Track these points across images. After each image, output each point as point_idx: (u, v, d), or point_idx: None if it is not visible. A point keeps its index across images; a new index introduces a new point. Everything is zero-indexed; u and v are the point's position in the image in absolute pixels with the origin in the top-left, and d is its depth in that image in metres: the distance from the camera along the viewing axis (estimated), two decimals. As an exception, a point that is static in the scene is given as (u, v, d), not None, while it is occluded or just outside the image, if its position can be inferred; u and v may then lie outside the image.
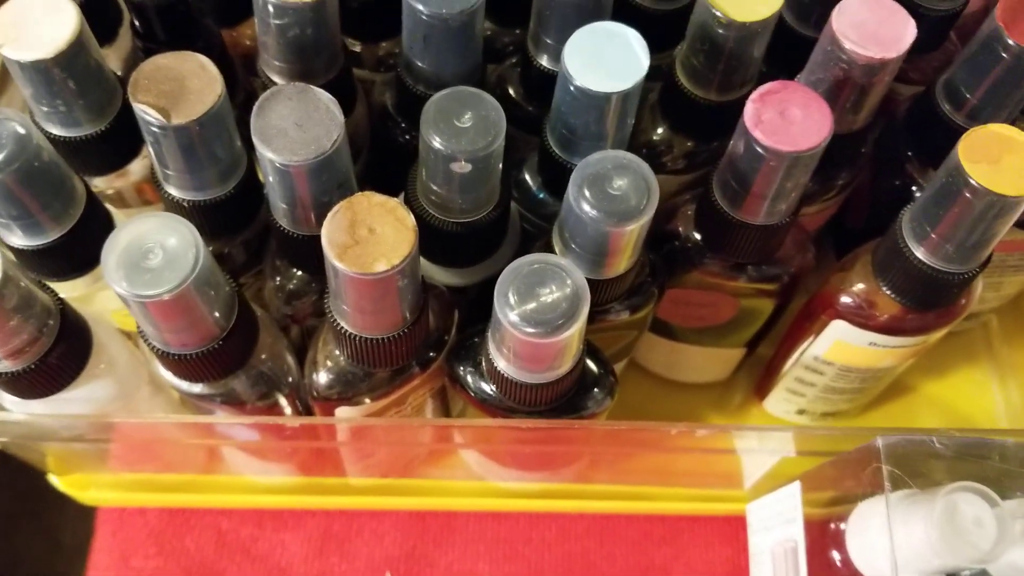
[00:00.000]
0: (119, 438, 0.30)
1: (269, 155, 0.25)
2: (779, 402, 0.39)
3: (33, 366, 0.26)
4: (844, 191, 0.35)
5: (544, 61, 0.32)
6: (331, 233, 0.24)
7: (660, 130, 0.34)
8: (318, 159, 0.25)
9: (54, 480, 0.36)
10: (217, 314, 0.26)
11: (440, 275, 0.31)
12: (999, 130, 0.27)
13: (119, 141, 0.30)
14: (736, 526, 0.39)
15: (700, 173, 0.34)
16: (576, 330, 0.25)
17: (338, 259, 0.24)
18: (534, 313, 0.25)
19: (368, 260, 0.24)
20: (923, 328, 0.32)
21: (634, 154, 0.27)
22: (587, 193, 0.26)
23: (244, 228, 0.31)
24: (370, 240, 0.25)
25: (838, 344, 0.33)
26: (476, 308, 0.31)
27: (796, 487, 0.32)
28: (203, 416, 0.29)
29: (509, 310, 0.25)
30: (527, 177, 0.33)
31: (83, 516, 0.37)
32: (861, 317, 0.32)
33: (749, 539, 0.36)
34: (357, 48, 0.35)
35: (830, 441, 0.30)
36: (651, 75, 0.33)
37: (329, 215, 0.25)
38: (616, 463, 0.37)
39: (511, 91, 0.34)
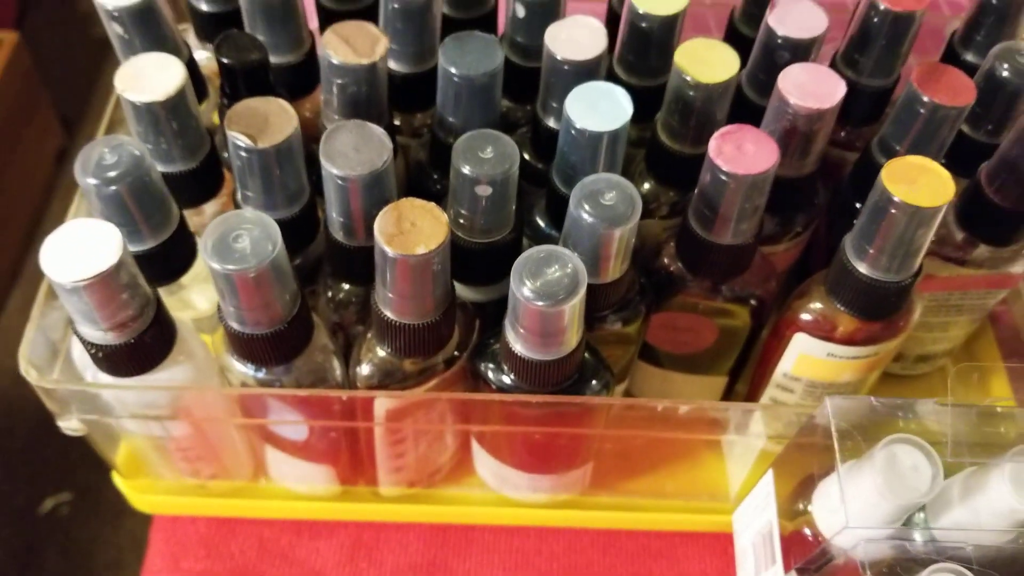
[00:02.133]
0: (189, 416, 0.35)
1: (333, 171, 0.32)
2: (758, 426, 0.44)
3: (132, 340, 0.32)
4: (804, 232, 0.41)
5: (551, 122, 0.39)
6: (382, 226, 0.31)
7: (647, 185, 0.41)
8: (371, 174, 0.32)
9: (118, 482, 0.41)
10: (286, 299, 0.32)
11: (464, 292, 0.38)
12: (914, 160, 0.33)
13: (204, 180, 0.37)
14: (725, 541, 0.43)
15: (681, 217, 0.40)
16: (576, 303, 0.31)
17: (387, 244, 0.31)
18: (543, 287, 0.31)
19: (411, 245, 0.30)
20: (873, 339, 0.37)
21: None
22: (585, 205, 0.33)
23: (303, 248, 0.37)
24: (412, 231, 0.31)
25: (802, 358, 0.39)
26: (494, 321, 0.37)
27: (768, 475, 0.37)
28: (261, 389, 0.34)
29: (523, 286, 0.31)
30: (536, 218, 0.39)
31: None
32: (819, 330, 0.38)
33: (735, 544, 0.41)
34: (397, 121, 0.43)
35: (800, 414, 0.35)
36: (637, 142, 0.40)
37: (380, 214, 0.31)
38: (617, 471, 0.42)
39: (524, 154, 0.41)
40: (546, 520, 0.43)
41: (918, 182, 0.33)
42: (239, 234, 0.31)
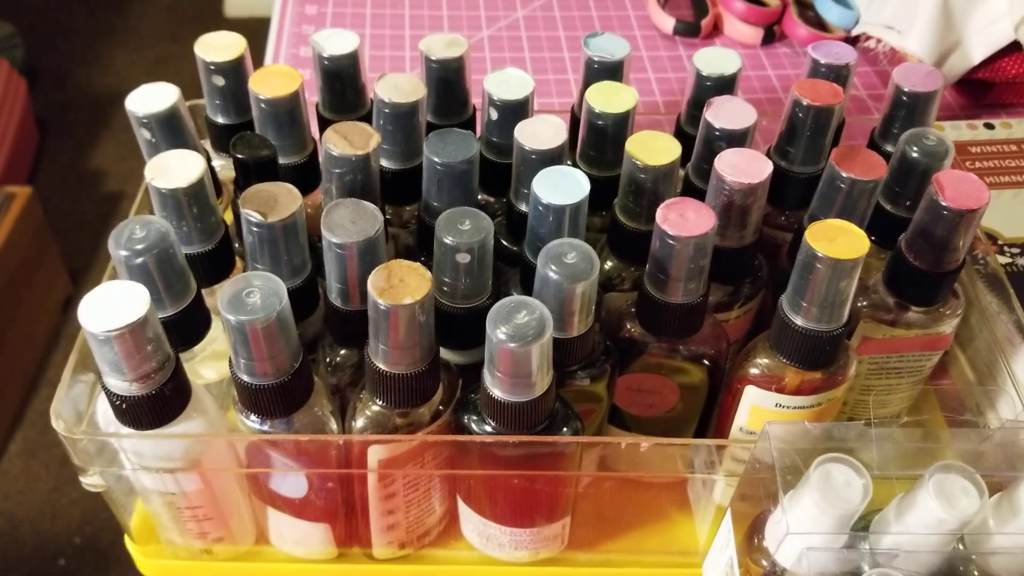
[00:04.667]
0: (199, 468, 0.39)
1: (332, 239, 0.37)
2: (725, 488, 0.48)
3: (154, 392, 0.36)
4: (752, 300, 0.46)
5: (522, 207, 0.44)
6: (374, 282, 0.36)
7: (609, 263, 0.46)
8: (366, 240, 0.37)
9: (130, 547, 0.44)
10: (290, 352, 0.37)
11: (448, 355, 0.42)
12: (834, 222, 0.39)
13: (218, 261, 0.42)
14: (697, 593, 0.46)
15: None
16: (544, 343, 0.35)
17: (379, 297, 0.35)
18: (514, 330, 0.35)
19: (399, 296, 0.35)
20: (816, 389, 0.42)
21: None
22: (551, 265, 0.38)
23: (303, 318, 0.42)
24: (400, 286, 0.36)
25: (754, 410, 0.43)
26: (475, 381, 0.41)
27: (727, 516, 0.40)
28: (267, 435, 0.38)
29: (497, 330, 0.35)
30: (512, 290, 0.44)
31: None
32: (765, 381, 0.42)
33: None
34: (388, 215, 0.48)
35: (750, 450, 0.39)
36: (599, 229, 0.46)
37: (373, 272, 0.36)
38: (593, 530, 0.45)
39: (500, 238, 0.47)
40: (529, 579, 0.46)
41: (837, 240, 0.38)
42: (251, 291, 0.35)
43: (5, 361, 1.43)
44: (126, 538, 0.45)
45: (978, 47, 0.69)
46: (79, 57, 2.11)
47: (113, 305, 0.34)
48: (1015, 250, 0.54)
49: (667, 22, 0.80)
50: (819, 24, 0.78)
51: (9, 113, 1.74)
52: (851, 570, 0.34)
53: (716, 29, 0.81)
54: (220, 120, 0.48)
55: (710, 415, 0.46)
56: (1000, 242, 0.54)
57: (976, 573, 0.35)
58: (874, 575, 0.32)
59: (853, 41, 0.76)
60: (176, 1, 2.32)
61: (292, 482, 0.41)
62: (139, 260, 0.37)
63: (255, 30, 0.85)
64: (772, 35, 0.79)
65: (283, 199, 0.39)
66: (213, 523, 0.43)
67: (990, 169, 0.59)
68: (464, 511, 0.44)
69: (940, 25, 0.68)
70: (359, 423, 0.40)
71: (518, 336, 0.35)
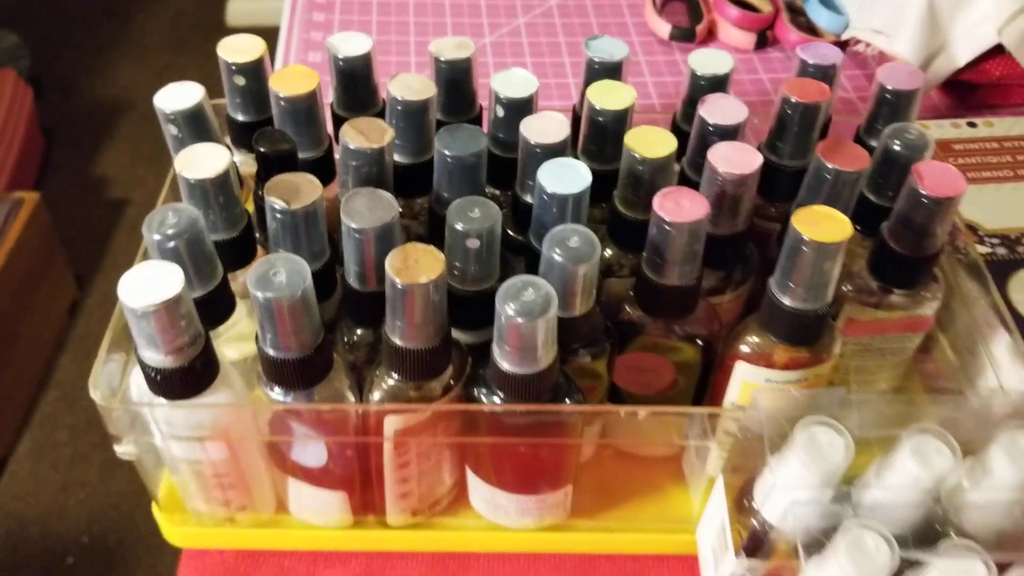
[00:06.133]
0: (226, 437, 0.42)
1: (352, 225, 0.40)
2: (718, 462, 0.50)
3: (186, 365, 0.39)
4: (743, 285, 0.49)
5: (527, 198, 0.47)
6: (391, 263, 0.38)
7: (609, 252, 0.49)
8: (382, 226, 0.40)
9: (157, 514, 0.47)
10: (312, 329, 0.40)
11: (459, 335, 0.45)
12: (819, 208, 0.41)
13: (241, 248, 0.45)
14: (692, 561, 0.48)
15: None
16: (549, 318, 0.38)
17: (396, 276, 0.38)
18: (521, 306, 0.38)
19: (415, 276, 0.38)
20: (803, 365, 0.44)
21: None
22: (555, 248, 0.40)
23: (323, 301, 0.45)
24: (416, 266, 0.38)
25: (744, 386, 0.46)
26: (484, 359, 0.44)
27: (719, 481, 0.43)
28: (290, 405, 0.41)
29: (506, 307, 0.38)
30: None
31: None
32: (755, 358, 0.45)
33: (699, 557, 0.46)
34: (400, 206, 0.51)
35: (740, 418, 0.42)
36: (600, 220, 0.48)
37: (390, 254, 0.39)
38: (594, 500, 0.48)
39: (507, 229, 0.49)
40: (534, 546, 0.48)
41: (822, 224, 0.41)
42: (277, 271, 0.38)
43: (13, 364, 1.46)
44: (153, 506, 0.48)
45: (963, 49, 0.72)
46: (84, 67, 2.14)
47: (150, 283, 0.37)
48: (995, 240, 0.57)
49: (663, 28, 0.83)
50: (810, 29, 0.81)
51: (16, 122, 1.77)
52: (833, 524, 0.36)
53: (711, 35, 0.84)
54: (240, 118, 0.50)
55: (704, 393, 0.49)
56: (981, 233, 0.57)
57: (951, 529, 0.37)
58: (850, 525, 0.35)
59: (843, 45, 0.79)
60: (179, 13, 2.35)
61: (312, 452, 0.44)
62: (171, 244, 0.40)
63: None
64: (765, 40, 0.82)
65: (305, 188, 0.42)
66: (237, 491, 0.45)
67: (972, 165, 0.62)
68: (473, 481, 0.47)
69: (926, 28, 0.71)
70: (376, 396, 0.42)
71: (525, 312, 0.38)
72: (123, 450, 0.43)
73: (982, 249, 0.56)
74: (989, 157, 0.63)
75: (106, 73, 2.13)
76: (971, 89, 0.75)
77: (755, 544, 0.40)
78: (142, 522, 1.34)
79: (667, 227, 0.41)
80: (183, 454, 0.43)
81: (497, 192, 0.51)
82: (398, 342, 0.40)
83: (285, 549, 0.48)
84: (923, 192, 0.43)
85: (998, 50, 0.72)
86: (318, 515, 0.47)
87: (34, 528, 1.35)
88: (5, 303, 1.42)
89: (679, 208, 0.41)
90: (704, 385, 0.48)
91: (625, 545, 0.49)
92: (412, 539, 0.48)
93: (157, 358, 0.38)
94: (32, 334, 1.52)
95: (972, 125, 0.66)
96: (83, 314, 1.61)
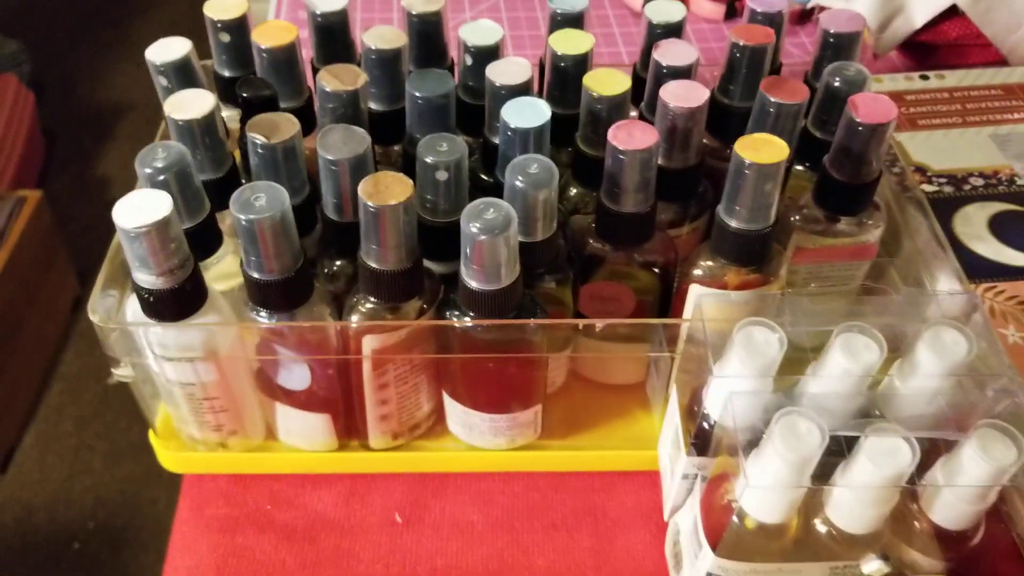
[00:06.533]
0: (215, 358, 0.45)
1: (328, 156, 0.44)
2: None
3: (176, 286, 0.42)
4: (699, 219, 0.52)
5: (495, 139, 0.50)
6: (364, 188, 0.42)
7: (573, 191, 0.52)
8: (356, 157, 0.44)
9: (154, 442, 0.51)
10: (292, 252, 0.43)
11: (431, 265, 0.48)
12: (759, 135, 0.45)
13: (227, 187, 0.48)
14: (655, 477, 0.51)
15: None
16: (510, 235, 0.41)
17: (368, 199, 0.41)
18: (484, 223, 0.41)
19: (385, 198, 0.41)
20: (751, 285, 0.48)
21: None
22: (517, 175, 0.44)
23: (303, 235, 0.48)
24: (386, 191, 0.42)
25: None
26: (454, 287, 0.47)
27: (672, 392, 0.46)
28: (276, 324, 0.44)
29: (470, 225, 0.41)
30: (487, 212, 0.50)
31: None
32: (708, 282, 0.48)
33: (660, 468, 0.50)
34: (377, 154, 0.54)
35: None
36: (565, 164, 0.52)
37: (362, 181, 0.42)
38: (563, 420, 0.51)
39: (478, 173, 0.53)
40: (507, 464, 0.52)
41: (761, 149, 0.44)
42: (258, 196, 0.41)
43: (18, 357, 1.49)
44: (150, 433, 0.51)
45: (919, 11, 0.75)
46: (84, 72, 2.18)
47: (142, 208, 0.40)
48: (943, 180, 0.60)
49: (636, 1, 0.86)
50: (776, -1, 0.85)
51: (18, 124, 1.81)
52: (771, 416, 0.39)
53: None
54: (226, 73, 0.54)
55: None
56: (929, 174, 0.60)
57: (880, 414, 0.41)
58: (784, 413, 0.38)
59: (809, 12, 0.82)
60: (175, 18, 2.39)
61: (296, 375, 0.47)
62: (161, 177, 0.43)
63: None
64: (734, 11, 0.86)
65: (283, 125, 0.45)
66: (228, 415, 0.48)
67: (923, 113, 0.66)
68: (449, 405, 0.50)
69: (884, -7, 0.74)
70: (354, 319, 0.46)
71: (488, 229, 0.41)
72: (121, 373, 0.46)
73: (930, 188, 0.59)
74: (940, 106, 0.66)
75: (105, 77, 2.17)
76: (930, 50, 0.78)
77: (702, 441, 0.43)
78: (146, 507, 1.37)
79: (620, 156, 0.45)
80: (176, 376, 0.46)
81: (470, 140, 0.54)
82: (373, 264, 0.43)
83: (274, 473, 0.52)
84: (858, 120, 0.46)
85: (954, 11, 0.75)
86: (305, 440, 0.51)
87: (41, 515, 1.38)
88: (10, 299, 1.45)
89: (631, 138, 0.45)
90: (664, 313, 0.52)
91: (593, 462, 0.52)
92: (393, 460, 0.51)
93: (150, 279, 0.42)
94: (36, 329, 1.56)
95: (924, 78, 0.70)
96: (85, 309, 1.64)
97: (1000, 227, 0.58)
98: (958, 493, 0.39)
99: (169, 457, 0.51)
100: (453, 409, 0.50)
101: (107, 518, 1.38)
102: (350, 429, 0.50)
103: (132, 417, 1.50)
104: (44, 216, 1.59)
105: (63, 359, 1.60)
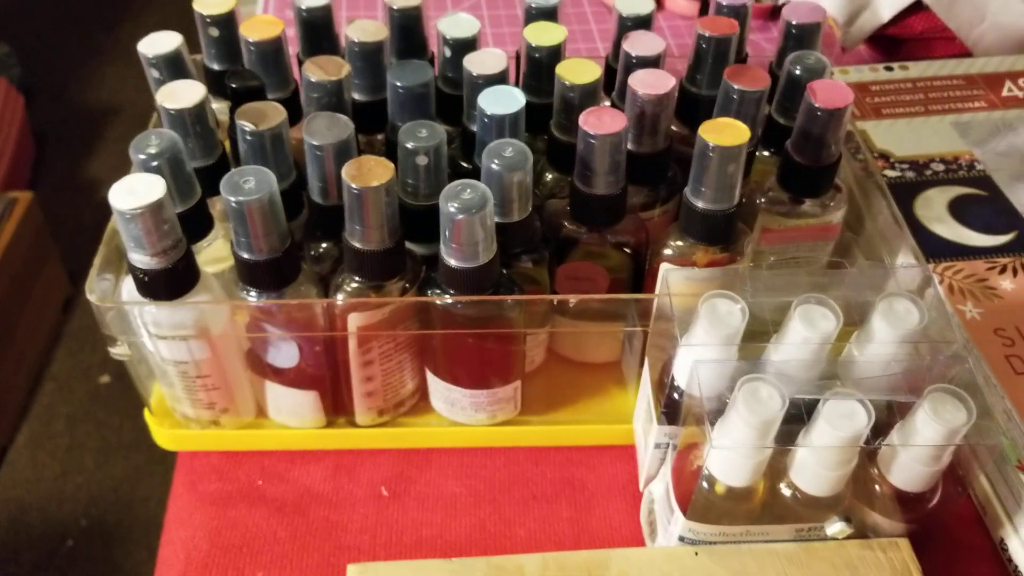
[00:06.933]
0: (207, 336, 0.47)
1: (313, 142, 0.46)
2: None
3: (170, 266, 0.44)
4: (669, 202, 0.54)
5: (473, 127, 0.53)
6: (347, 171, 0.44)
7: (549, 176, 0.54)
8: (340, 142, 0.46)
9: (149, 420, 0.53)
10: (280, 233, 0.45)
11: (412, 247, 0.50)
12: (722, 120, 0.47)
13: (217, 175, 0.50)
14: (631, 450, 0.54)
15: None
16: (486, 214, 0.44)
17: (351, 180, 0.44)
18: (461, 203, 0.43)
19: (368, 180, 0.44)
20: (718, 263, 0.50)
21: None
22: (493, 159, 0.46)
23: (290, 219, 0.50)
24: (368, 173, 0.44)
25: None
26: (434, 268, 0.49)
27: (645, 366, 0.49)
28: (264, 302, 0.47)
29: (449, 205, 0.44)
30: (466, 197, 0.52)
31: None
32: (678, 261, 0.50)
33: (635, 441, 0.52)
34: (360, 143, 0.56)
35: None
36: (541, 151, 0.54)
37: (346, 164, 0.44)
38: (542, 396, 0.53)
39: (458, 161, 0.55)
40: (489, 439, 0.54)
41: (724, 132, 0.46)
42: (247, 179, 0.44)
43: (10, 357, 1.51)
44: (145, 412, 0.53)
45: (886, 6, 0.78)
46: (73, 74, 2.20)
47: (136, 190, 0.43)
48: (904, 166, 0.63)
49: (613, -1, 0.89)
50: (749, -4, 0.87)
51: (8, 127, 1.82)
52: (735, 384, 0.42)
53: (659, 4, 0.90)
54: (215, 67, 0.56)
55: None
56: (892, 160, 0.63)
57: (840, 382, 0.43)
58: (745, 380, 0.40)
59: (779, 9, 0.85)
60: (163, 21, 2.41)
61: (285, 353, 0.49)
62: (154, 163, 0.45)
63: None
64: (707, 8, 0.88)
65: (270, 114, 0.47)
66: (219, 393, 0.51)
67: (887, 103, 0.68)
68: (432, 382, 0.52)
69: (852, -12, 0.77)
70: (339, 298, 0.48)
71: (465, 208, 0.43)
72: (117, 351, 0.48)
73: (893, 173, 0.62)
74: (903, 96, 0.69)
75: (95, 80, 2.19)
76: (897, 44, 0.81)
77: (672, 410, 0.45)
78: (139, 505, 1.39)
79: (591, 139, 0.47)
80: (170, 355, 0.48)
81: (449, 128, 0.57)
82: (357, 244, 0.46)
83: (265, 449, 0.54)
84: (817, 106, 0.49)
85: (920, 6, 0.78)
86: (294, 417, 0.53)
87: (34, 513, 1.40)
88: (1, 299, 1.47)
89: (601, 123, 0.47)
90: (636, 291, 0.54)
91: (571, 437, 0.54)
92: (379, 437, 0.54)
93: (144, 260, 0.44)
94: (28, 328, 1.57)
95: (889, 69, 0.72)
96: (76, 309, 1.66)
97: (959, 210, 0.61)
98: (913, 454, 0.42)
99: (164, 435, 0.53)
100: (436, 386, 0.52)
101: (100, 516, 1.39)
102: (337, 406, 0.53)
103: (124, 415, 1.52)
104: (35, 217, 1.60)
105: (55, 358, 1.61)
